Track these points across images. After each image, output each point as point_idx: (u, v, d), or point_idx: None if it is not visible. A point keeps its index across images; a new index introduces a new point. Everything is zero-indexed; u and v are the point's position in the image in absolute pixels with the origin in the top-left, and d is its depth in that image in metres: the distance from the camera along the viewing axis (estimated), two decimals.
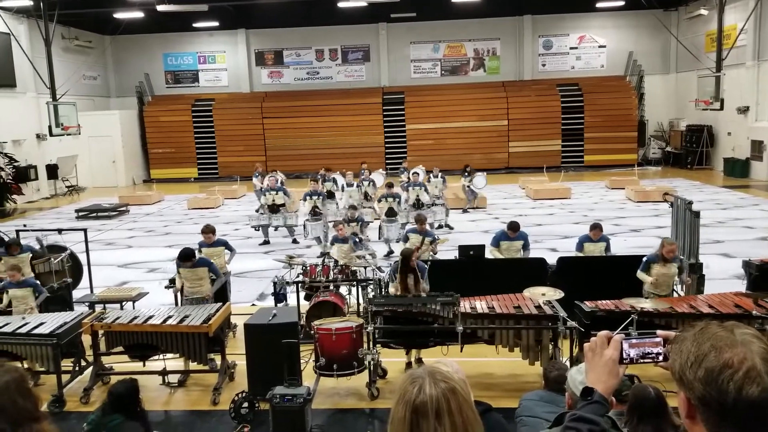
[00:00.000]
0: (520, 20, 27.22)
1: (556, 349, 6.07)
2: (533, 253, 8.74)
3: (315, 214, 12.56)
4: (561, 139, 26.13)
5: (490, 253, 8.43)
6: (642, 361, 1.66)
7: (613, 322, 5.82)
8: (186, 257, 7.31)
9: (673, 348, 1.42)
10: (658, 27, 25.14)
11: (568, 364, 5.60)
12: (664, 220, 13.29)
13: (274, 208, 13.34)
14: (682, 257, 7.53)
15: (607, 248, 8.17)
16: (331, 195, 14.83)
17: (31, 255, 8.55)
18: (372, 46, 27.78)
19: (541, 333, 6.09)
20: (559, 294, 6.12)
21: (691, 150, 24.49)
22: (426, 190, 14.00)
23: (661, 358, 1.63)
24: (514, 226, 8.39)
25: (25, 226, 9.60)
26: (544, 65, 27.54)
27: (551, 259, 8.24)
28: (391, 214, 12.50)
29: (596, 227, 8.21)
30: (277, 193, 13.49)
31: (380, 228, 12.51)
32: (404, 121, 26.57)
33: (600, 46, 27.22)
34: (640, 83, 26.54)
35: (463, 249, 8.46)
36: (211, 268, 7.53)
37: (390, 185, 13.24)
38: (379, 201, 12.95)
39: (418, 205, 13.52)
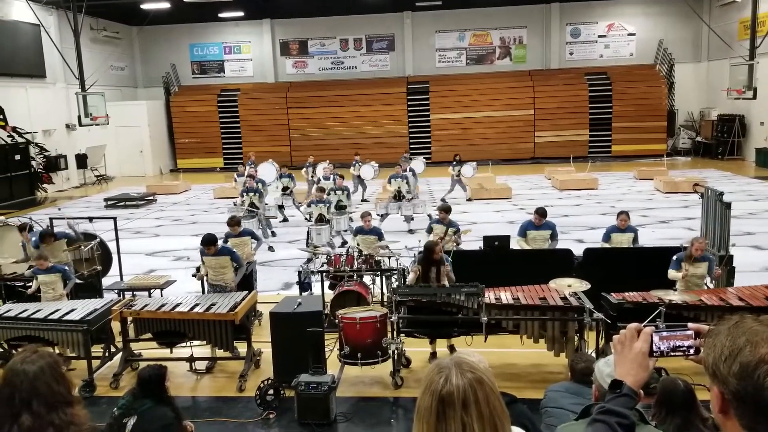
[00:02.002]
0: (547, 8, 26.83)
1: (582, 340, 6.01)
2: (559, 245, 8.64)
3: (251, 210, 12.40)
4: (588, 129, 25.78)
5: (516, 243, 8.36)
6: (673, 354, 1.63)
7: (641, 315, 5.74)
8: (208, 242, 7.37)
9: (706, 342, 1.40)
10: (689, 14, 24.55)
11: (594, 356, 5.55)
12: (693, 212, 13.05)
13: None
14: (712, 255, 7.34)
15: (635, 239, 8.03)
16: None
17: (66, 240, 8.73)
18: (397, 36, 27.65)
19: (567, 324, 6.03)
20: (585, 285, 6.06)
21: (722, 140, 23.97)
22: (408, 182, 13.80)
23: (692, 351, 1.60)
24: (541, 212, 8.29)
25: (59, 209, 9.67)
26: (571, 54, 27.13)
27: (578, 251, 8.15)
28: (321, 220, 11.40)
29: (623, 213, 8.09)
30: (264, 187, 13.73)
31: (308, 233, 11.18)
32: (429, 111, 26.44)
33: (629, 34, 26.71)
34: (670, 72, 26.01)
35: (487, 239, 8.41)
36: (233, 257, 7.58)
37: (321, 189, 12.16)
38: (309, 206, 11.90)
39: (398, 197, 13.46)
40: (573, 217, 14.30)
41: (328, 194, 12.16)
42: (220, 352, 6.75)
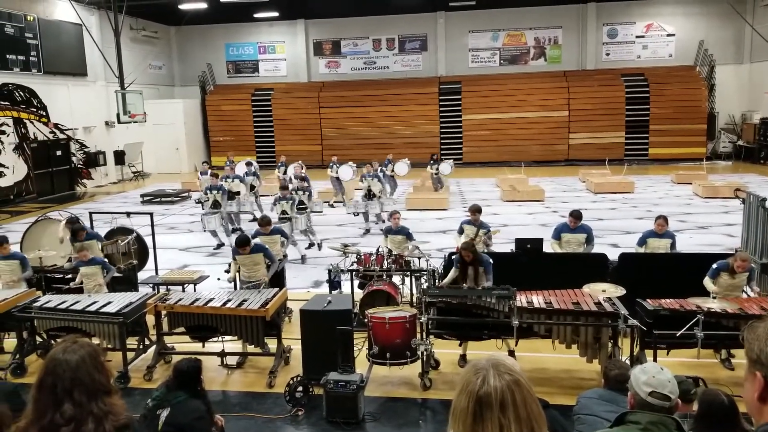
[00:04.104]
0: (583, 8, 26.45)
1: (616, 347, 5.89)
2: (594, 249, 8.49)
3: (215, 207, 12.53)
4: (625, 131, 25.33)
5: (550, 246, 8.24)
6: None
7: (678, 322, 5.62)
8: (242, 244, 7.51)
9: (748, 334, 1.52)
10: (731, 14, 23.93)
11: (628, 363, 5.44)
12: (733, 217, 12.71)
13: (231, 195, 13.67)
14: (752, 265, 7.09)
15: (673, 245, 7.83)
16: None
17: (96, 241, 8.82)
18: (429, 36, 27.58)
19: (601, 330, 5.91)
20: (620, 291, 5.94)
21: (765, 144, 23.32)
22: (380, 180, 14.06)
23: None
24: (576, 214, 8.15)
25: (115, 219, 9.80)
26: (608, 54, 26.70)
27: (612, 255, 8.00)
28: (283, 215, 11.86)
29: (661, 218, 7.90)
30: (233, 181, 14.01)
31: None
32: (461, 112, 26.31)
33: (668, 35, 26.16)
34: (710, 73, 25.39)
35: (520, 242, 8.32)
36: (266, 253, 7.71)
37: (284, 187, 12.46)
38: (275, 204, 12.23)
39: (369, 195, 13.70)
40: (608, 221, 14.05)
41: (291, 193, 12.33)
42: (250, 348, 6.82)
